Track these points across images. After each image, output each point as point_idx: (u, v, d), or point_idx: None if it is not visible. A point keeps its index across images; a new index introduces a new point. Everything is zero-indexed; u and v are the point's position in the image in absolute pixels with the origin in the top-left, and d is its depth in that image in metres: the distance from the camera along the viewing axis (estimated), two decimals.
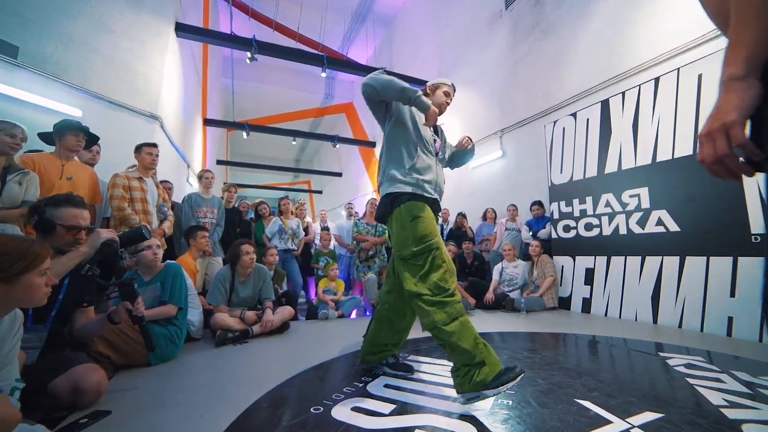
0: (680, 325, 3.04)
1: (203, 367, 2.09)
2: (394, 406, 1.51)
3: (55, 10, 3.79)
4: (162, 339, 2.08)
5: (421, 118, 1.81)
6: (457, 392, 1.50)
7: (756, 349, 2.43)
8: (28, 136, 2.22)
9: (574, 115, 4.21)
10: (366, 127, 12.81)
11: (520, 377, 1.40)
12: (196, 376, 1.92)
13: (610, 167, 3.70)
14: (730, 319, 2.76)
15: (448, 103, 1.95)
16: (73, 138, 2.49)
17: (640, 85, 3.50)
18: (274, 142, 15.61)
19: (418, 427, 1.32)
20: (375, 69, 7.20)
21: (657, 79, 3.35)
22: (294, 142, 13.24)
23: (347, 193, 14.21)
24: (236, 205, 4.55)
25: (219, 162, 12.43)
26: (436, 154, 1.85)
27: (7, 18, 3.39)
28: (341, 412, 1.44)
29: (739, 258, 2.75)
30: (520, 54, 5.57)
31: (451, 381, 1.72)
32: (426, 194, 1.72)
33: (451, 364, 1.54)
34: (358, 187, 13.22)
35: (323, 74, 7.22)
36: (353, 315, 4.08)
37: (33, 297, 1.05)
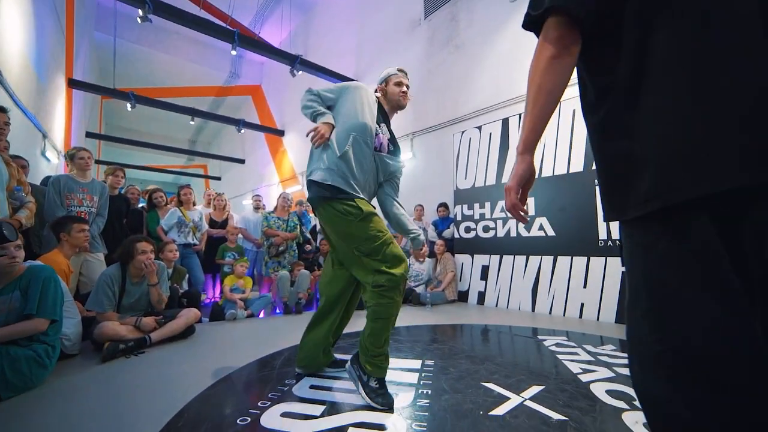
0: (550, 312, 3.74)
1: (87, 389, 1.74)
2: (324, 406, 1.53)
3: None
4: (24, 362, 1.63)
5: (371, 108, 1.74)
6: (359, 365, 1.62)
7: (594, 326, 3.19)
8: None
9: (479, 128, 4.74)
10: (274, 113, 12.10)
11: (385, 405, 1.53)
12: (75, 402, 1.59)
13: (507, 177, 4.29)
14: (582, 305, 3.53)
15: (404, 92, 1.85)
16: None
17: None
18: (165, 119, 13.55)
19: (352, 425, 1.37)
20: (291, 55, 6.91)
21: None
22: (192, 122, 11.69)
23: (250, 182, 13.26)
24: (122, 191, 3.86)
25: (89, 134, 10.24)
26: (377, 149, 1.73)
27: None
28: (271, 420, 1.40)
29: (591, 257, 3.52)
30: (434, 63, 5.99)
31: None
32: (350, 191, 1.62)
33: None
34: (263, 176, 12.45)
35: (233, 52, 6.57)
36: (262, 314, 3.89)
37: None
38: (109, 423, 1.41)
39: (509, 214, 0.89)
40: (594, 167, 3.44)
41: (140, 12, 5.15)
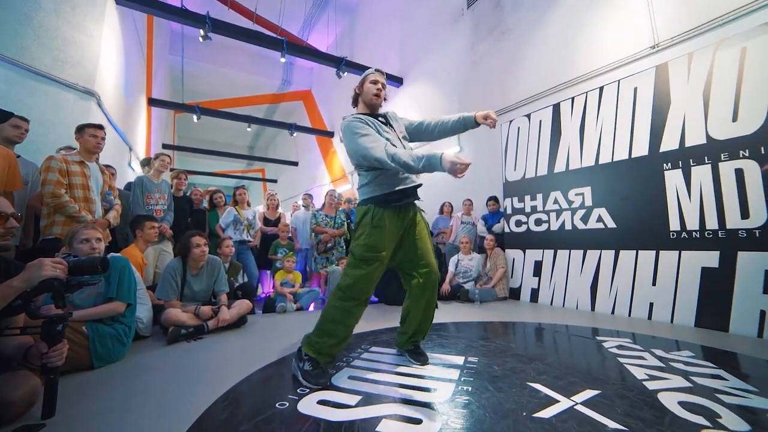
0: (613, 312, 3.40)
1: (154, 367, 1.96)
2: (360, 397, 1.54)
3: None
4: (108, 339, 1.91)
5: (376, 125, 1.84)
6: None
7: (668, 329, 2.82)
8: None
9: (528, 116, 4.46)
10: (324, 116, 12.54)
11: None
12: (147, 377, 1.80)
13: (559, 167, 4.00)
14: (651, 305, 3.15)
15: (380, 89, 1.91)
16: None
17: (587, 93, 3.81)
18: (226, 128, 14.74)
19: (385, 417, 1.36)
20: (336, 57, 7.10)
21: (601, 89, 3.66)
22: (249, 129, 12.58)
23: (304, 183, 13.88)
24: (188, 193, 4.26)
25: (165, 146, 11.51)
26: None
27: None
28: (307, 406, 1.43)
29: (660, 251, 3.12)
30: (479, 53, 5.76)
31: (412, 371, 1.87)
32: (395, 189, 1.79)
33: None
34: (315, 177, 12.96)
35: (282, 60, 6.93)
36: (311, 308, 4.04)
37: None
38: (171, 396, 1.57)
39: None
40: (663, 149, 3.09)
41: (201, 32, 5.65)
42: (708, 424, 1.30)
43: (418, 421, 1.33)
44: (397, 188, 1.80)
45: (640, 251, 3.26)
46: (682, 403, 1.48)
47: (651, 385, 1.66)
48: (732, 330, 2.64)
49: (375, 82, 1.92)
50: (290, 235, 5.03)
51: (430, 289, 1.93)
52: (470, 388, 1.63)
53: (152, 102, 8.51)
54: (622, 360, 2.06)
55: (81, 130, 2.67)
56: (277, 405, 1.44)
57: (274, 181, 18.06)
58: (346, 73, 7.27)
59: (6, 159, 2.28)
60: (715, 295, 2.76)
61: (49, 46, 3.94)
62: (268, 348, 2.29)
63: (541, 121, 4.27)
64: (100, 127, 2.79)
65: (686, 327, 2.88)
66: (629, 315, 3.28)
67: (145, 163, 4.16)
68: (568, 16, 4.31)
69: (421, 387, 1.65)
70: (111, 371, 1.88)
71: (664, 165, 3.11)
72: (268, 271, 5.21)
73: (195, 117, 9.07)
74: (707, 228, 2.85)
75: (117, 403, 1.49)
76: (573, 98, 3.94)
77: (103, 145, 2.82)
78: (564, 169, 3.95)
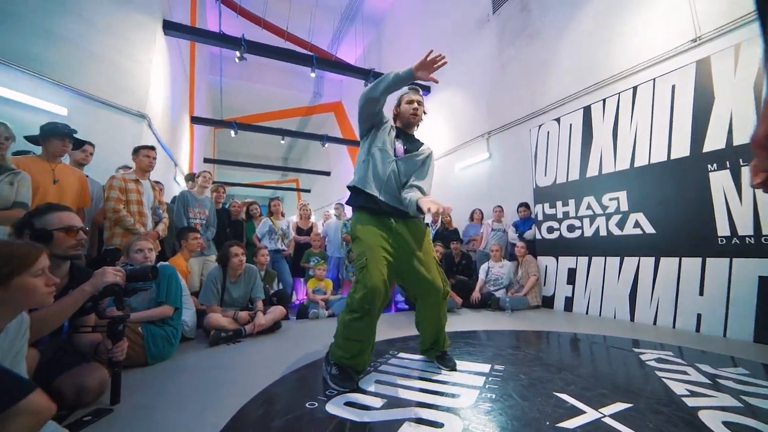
0: (654, 322, 3.21)
1: (199, 366, 2.14)
2: (385, 400, 1.60)
3: (35, 4, 3.72)
4: (159, 339, 2.12)
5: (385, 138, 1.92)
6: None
7: (720, 344, 2.61)
8: (14, 135, 2.20)
9: (558, 119, 4.36)
10: (355, 126, 12.84)
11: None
12: (192, 375, 1.97)
13: (592, 171, 3.87)
14: (699, 316, 2.94)
15: (416, 108, 1.99)
16: (59, 143, 2.45)
17: (619, 93, 3.67)
18: (261, 141, 15.50)
19: (408, 419, 1.41)
20: (364, 70, 7.31)
21: (635, 88, 3.52)
22: (282, 141, 13.18)
23: (336, 193, 14.22)
24: (226, 206, 4.56)
25: (206, 160, 12.29)
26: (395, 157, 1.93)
27: None
28: (335, 407, 1.52)
29: (707, 259, 2.93)
30: (507, 58, 5.71)
31: (437, 377, 1.91)
32: (367, 189, 1.86)
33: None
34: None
35: (312, 74, 7.24)
36: None
37: (33, 298, 1.05)
38: (213, 392, 1.72)
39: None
40: (707, 149, 2.89)
41: (237, 53, 6.06)
42: None
43: (439, 425, 1.37)
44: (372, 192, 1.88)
45: (683, 258, 3.08)
46: (727, 423, 1.38)
47: (692, 402, 1.57)
48: None
49: (410, 102, 2.00)
50: (324, 243, 5.21)
51: (433, 304, 1.95)
52: (494, 396, 1.64)
53: (194, 120, 9.17)
54: (660, 374, 1.96)
55: (136, 151, 2.99)
56: (307, 405, 1.54)
57: (308, 190, 18.65)
58: None
59: (80, 181, 2.62)
60: None
61: (111, 78, 4.43)
62: (301, 352, 2.42)
63: (571, 124, 4.16)
64: (152, 148, 3.10)
65: (742, 342, 2.66)
66: (674, 326, 3.09)
67: (189, 178, 4.52)
68: (597, 15, 4.20)
69: (445, 392, 1.69)
70: (162, 368, 2.08)
71: (709, 166, 2.93)
72: (302, 279, 5.42)
73: (232, 132, 9.65)
74: (764, 233, 2.63)
75: (168, 396, 1.67)
76: (604, 100, 3.81)
77: (154, 164, 3.13)
78: (597, 173, 3.81)
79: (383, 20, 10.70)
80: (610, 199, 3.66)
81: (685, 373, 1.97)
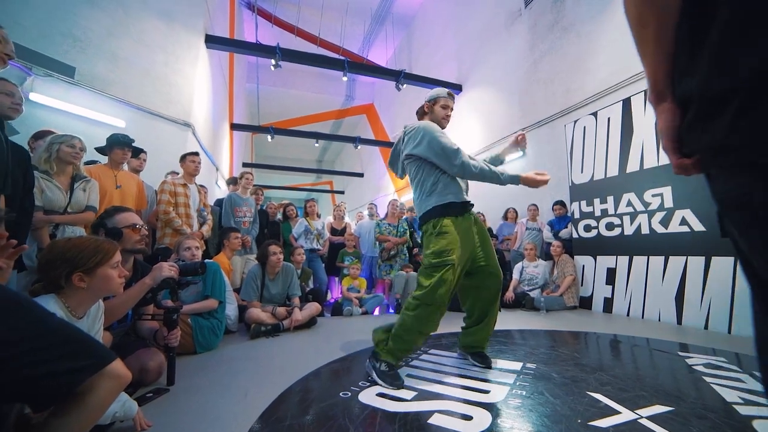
0: (706, 327, 3.01)
1: (241, 356, 2.30)
2: (416, 393, 1.65)
3: (102, 31, 4.16)
4: (206, 330, 2.31)
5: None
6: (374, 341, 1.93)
7: None
8: (86, 147, 2.49)
9: (594, 114, 4.19)
10: (387, 127, 12.96)
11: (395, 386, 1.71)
12: (236, 364, 2.13)
13: (632, 166, 3.68)
14: None
15: (448, 115, 2.05)
16: (120, 152, 2.74)
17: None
18: (296, 144, 16.02)
19: (438, 411, 1.46)
20: (394, 71, 7.38)
21: None
22: (317, 144, 13.57)
23: (369, 193, 14.42)
24: (264, 207, 4.81)
25: (245, 164, 12.93)
26: None
27: (62, 40, 3.76)
28: (367, 397, 1.59)
29: None
30: (539, 52, 5.55)
31: (468, 372, 1.94)
32: (460, 200, 1.93)
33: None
34: (380, 187, 13.40)
35: (344, 78, 7.42)
36: (376, 312, 4.24)
37: (110, 286, 1.24)
38: (255, 380, 1.85)
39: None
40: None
41: (273, 61, 6.36)
42: None
43: (468, 418, 1.40)
44: (460, 200, 1.92)
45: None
46: None
47: (744, 410, 1.47)
48: None
49: (446, 107, 2.05)
50: (355, 243, 5.33)
51: (495, 291, 2.04)
52: (525, 392, 1.65)
53: (234, 127, 9.70)
54: (709, 379, 1.85)
55: (183, 158, 3.25)
56: (341, 394, 1.63)
57: (342, 192, 19.04)
58: (405, 85, 7.51)
59: (138, 186, 2.91)
60: None
61: (159, 91, 4.83)
62: (335, 346, 2.53)
63: (609, 118, 3.98)
64: (197, 154, 3.35)
65: None
66: (729, 332, 2.88)
67: (231, 182, 4.81)
68: None
69: (475, 388, 1.71)
70: (209, 356, 2.26)
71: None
72: (336, 278, 5.58)
73: (269, 137, 10.10)
74: None
75: (216, 381, 1.82)
76: (646, 91, 3.60)
77: (200, 169, 3.38)
78: (638, 168, 3.62)
79: (413, 21, 10.72)
80: (653, 196, 3.46)
81: (739, 380, 1.85)
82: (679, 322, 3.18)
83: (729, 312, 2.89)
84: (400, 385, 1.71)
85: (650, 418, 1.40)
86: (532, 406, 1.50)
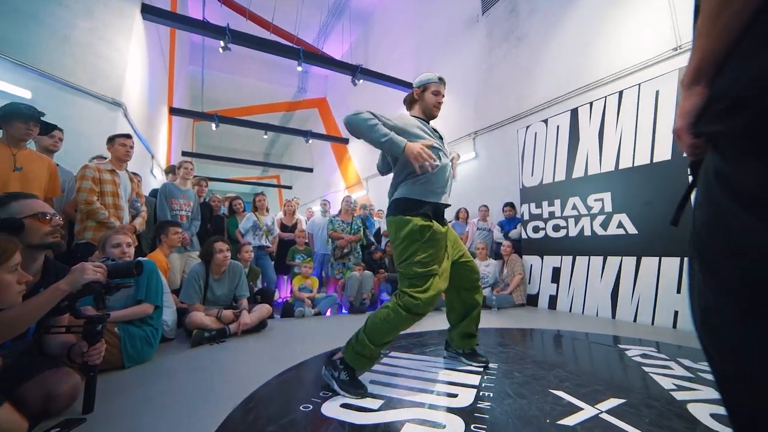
0: (635, 320, 3.32)
1: (181, 369, 2.02)
2: (382, 401, 1.55)
3: None
4: (138, 340, 1.99)
5: (416, 126, 1.79)
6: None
7: (693, 338, 2.70)
8: None
9: (545, 121, 4.43)
10: (339, 123, 12.69)
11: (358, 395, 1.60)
12: (175, 378, 1.86)
13: (578, 172, 3.95)
14: (676, 313, 3.06)
15: (440, 102, 1.89)
16: (22, 126, 2.20)
17: (606, 97, 3.76)
18: (242, 135, 15.08)
19: (408, 421, 1.37)
20: (351, 65, 7.22)
21: (621, 93, 3.62)
22: (265, 136, 12.87)
23: (319, 189, 14.04)
24: (207, 200, 4.39)
25: (184, 153, 11.84)
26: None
27: None
28: (331, 410, 1.46)
29: (685, 258, 3.04)
30: (495, 59, 5.77)
31: (432, 376, 1.88)
32: (431, 200, 1.76)
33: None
34: (330, 183, 13.11)
35: (299, 68, 7.07)
36: (328, 313, 4.08)
37: (4, 297, 0.97)
38: (198, 397, 1.61)
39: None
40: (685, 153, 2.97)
41: (222, 43, 5.84)
42: None
43: (441, 426, 1.34)
44: (440, 201, 1.80)
45: (663, 258, 3.19)
46: (714, 416, 1.42)
47: (679, 396, 1.62)
48: None
49: (437, 93, 1.88)
50: (307, 240, 5.10)
51: (477, 289, 2.06)
52: (492, 394, 1.63)
53: (174, 111, 8.80)
54: (647, 369, 2.01)
55: (112, 140, 2.80)
56: (301, 408, 1.47)
57: (289, 187, 18.34)
58: (361, 81, 7.37)
59: (48, 168, 2.41)
60: None
61: (83, 62, 4.15)
62: (289, 352, 2.33)
63: (558, 126, 4.24)
64: (129, 136, 2.92)
65: None
66: (653, 323, 3.20)
67: (170, 170, 4.30)
68: (585, 20, 4.29)
69: (443, 392, 1.66)
70: (141, 371, 1.95)
71: (688, 170, 3.04)
72: (285, 277, 5.30)
73: (213, 125, 9.33)
74: None
75: (149, 403, 1.55)
76: (591, 103, 3.89)
77: (131, 154, 2.94)
78: (583, 174, 3.90)
79: (371, 16, 10.60)
80: (595, 200, 3.75)
81: (668, 367, 2.04)
82: (614, 316, 3.48)
83: (653, 306, 3.21)
84: (364, 394, 1.59)
85: (609, 411, 1.46)
86: (501, 409, 1.48)
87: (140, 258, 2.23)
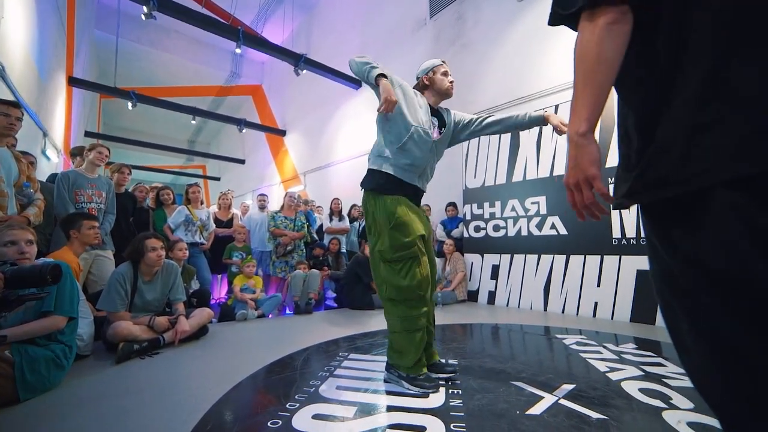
0: (563, 311, 3.70)
1: (103, 393, 1.66)
2: (355, 408, 1.48)
3: None
4: (42, 363, 1.58)
5: (413, 97, 1.80)
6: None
7: (610, 325, 3.13)
8: None
9: None
10: (276, 113, 12.02)
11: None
12: (95, 407, 1.51)
13: (517, 176, 4.27)
14: (596, 304, 3.49)
15: (452, 82, 1.89)
16: None
17: (544, 109, 4.10)
18: (163, 118, 13.41)
19: (388, 426, 1.32)
20: (295, 54, 6.87)
21: (557, 106, 3.99)
22: (193, 122, 11.60)
23: (251, 183, 13.18)
24: (129, 189, 3.79)
25: (88, 134, 10.12)
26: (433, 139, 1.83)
27: None
28: (303, 422, 1.34)
29: (604, 256, 3.49)
30: None
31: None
32: (405, 180, 1.76)
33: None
34: (264, 177, 12.38)
35: (238, 50, 6.51)
36: (270, 315, 3.83)
37: None
38: (131, 426, 1.34)
39: (582, 216, 0.78)
40: (608, 165, 3.47)
41: (144, 9, 5.10)
42: (665, 405, 1.49)
43: (422, 429, 1.31)
44: (413, 182, 1.80)
45: (587, 256, 3.61)
46: (642, 390, 1.67)
47: (614, 376, 1.85)
48: (658, 323, 3.03)
49: (446, 74, 1.88)
50: (245, 237, 4.72)
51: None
52: (460, 391, 1.66)
53: (73, 81, 7.43)
54: (583, 355, 2.25)
55: None
56: (269, 424, 1.33)
57: (217, 179, 16.88)
58: (305, 71, 7.06)
59: None
60: (646, 293, 3.15)
61: None
62: (238, 361, 2.11)
63: None
64: (15, 104, 2.37)
65: (623, 322, 3.24)
66: (577, 314, 3.60)
67: (77, 152, 3.59)
68: (525, 35, 4.63)
69: (413, 393, 1.64)
70: (44, 403, 1.53)
71: (609, 179, 3.47)
72: (219, 276, 4.85)
73: (130, 104, 8.13)
74: (642, 236, 3.23)
75: None
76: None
77: (18, 127, 2.38)
78: (521, 178, 4.22)
79: (316, 7, 10.20)
80: (532, 203, 4.09)
81: (599, 352, 2.31)
82: (545, 309, 3.84)
83: (578, 299, 3.62)
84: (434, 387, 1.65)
85: (565, 397, 1.59)
86: (474, 405, 1.51)
87: (53, 260, 1.81)
